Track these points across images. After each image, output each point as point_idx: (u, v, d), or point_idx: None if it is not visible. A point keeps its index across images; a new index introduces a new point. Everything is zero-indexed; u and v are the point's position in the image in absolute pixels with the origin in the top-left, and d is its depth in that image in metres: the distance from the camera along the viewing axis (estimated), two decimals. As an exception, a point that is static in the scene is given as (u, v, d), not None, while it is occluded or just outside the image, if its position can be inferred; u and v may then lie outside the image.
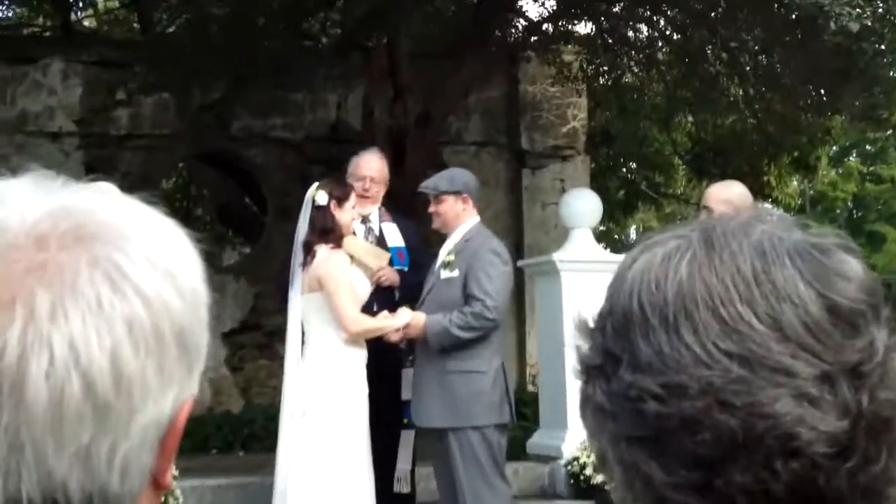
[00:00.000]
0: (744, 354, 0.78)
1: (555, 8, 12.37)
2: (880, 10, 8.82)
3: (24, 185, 0.77)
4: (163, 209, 0.81)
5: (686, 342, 0.80)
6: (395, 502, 6.35)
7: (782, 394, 0.77)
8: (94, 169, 11.81)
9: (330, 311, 5.88)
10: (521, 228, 13.55)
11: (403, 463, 6.40)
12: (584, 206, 8.80)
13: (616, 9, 12.14)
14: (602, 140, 15.80)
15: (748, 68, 11.48)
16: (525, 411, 7.88)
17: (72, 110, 12.41)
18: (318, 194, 6.04)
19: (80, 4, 16.92)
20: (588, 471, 7.76)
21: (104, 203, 0.78)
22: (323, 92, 13.04)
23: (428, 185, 6.31)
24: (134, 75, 12.22)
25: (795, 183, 19.50)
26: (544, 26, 12.42)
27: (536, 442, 8.66)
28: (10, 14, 17.77)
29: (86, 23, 18.10)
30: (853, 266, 0.83)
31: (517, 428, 7.08)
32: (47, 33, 16.73)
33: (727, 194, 5.78)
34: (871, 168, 34.60)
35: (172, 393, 0.75)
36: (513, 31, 12.82)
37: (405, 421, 6.35)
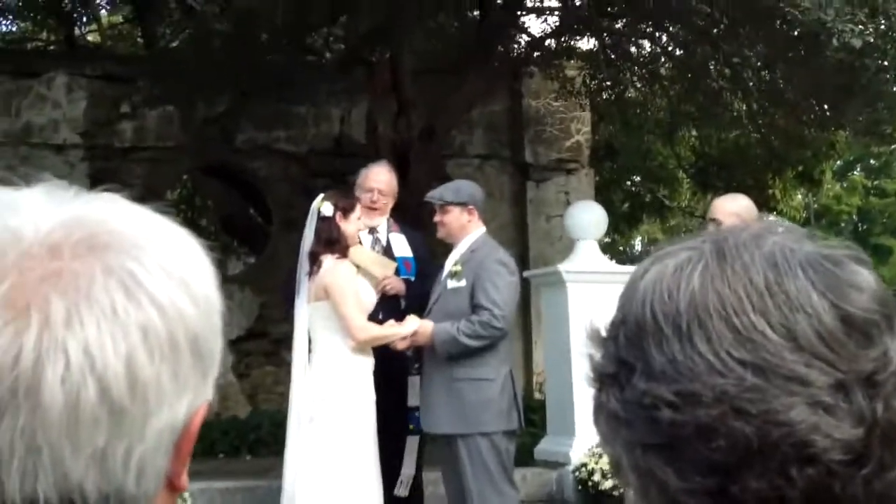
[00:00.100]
0: (758, 363, 0.79)
1: (557, 24, 12.39)
2: (882, 26, 8.83)
3: (37, 195, 0.78)
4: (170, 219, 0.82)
5: (699, 351, 0.80)
6: None
7: (797, 402, 0.78)
8: (98, 181, 11.83)
9: (336, 320, 5.90)
10: (525, 240, 13.58)
11: (407, 468, 6.41)
12: (589, 217, 8.83)
13: (618, 25, 12.16)
14: (606, 154, 15.83)
15: (751, 84, 11.49)
16: (533, 418, 7.91)
17: (76, 123, 12.46)
18: (323, 205, 6.07)
19: (84, 19, 17.00)
20: (596, 477, 7.77)
21: (117, 213, 0.78)
22: (326, 106, 13.09)
23: (434, 195, 6.34)
24: (138, 89, 12.27)
25: (800, 196, 19.54)
26: (547, 42, 12.44)
27: (544, 448, 8.69)
28: (14, 28, 17.85)
29: (89, 37, 18.18)
30: (865, 277, 0.83)
31: (525, 434, 7.11)
32: (51, 47, 16.81)
33: (735, 207, 5.80)
34: (876, 182, 34.65)
35: (187, 398, 0.76)
36: (515, 46, 12.85)
37: (410, 427, 6.37)
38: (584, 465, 7.96)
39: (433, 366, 6.12)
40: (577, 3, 11.67)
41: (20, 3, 15.73)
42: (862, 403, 0.78)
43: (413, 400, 6.38)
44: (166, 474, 0.77)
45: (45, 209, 0.76)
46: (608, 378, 0.86)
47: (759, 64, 11.01)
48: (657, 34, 12.00)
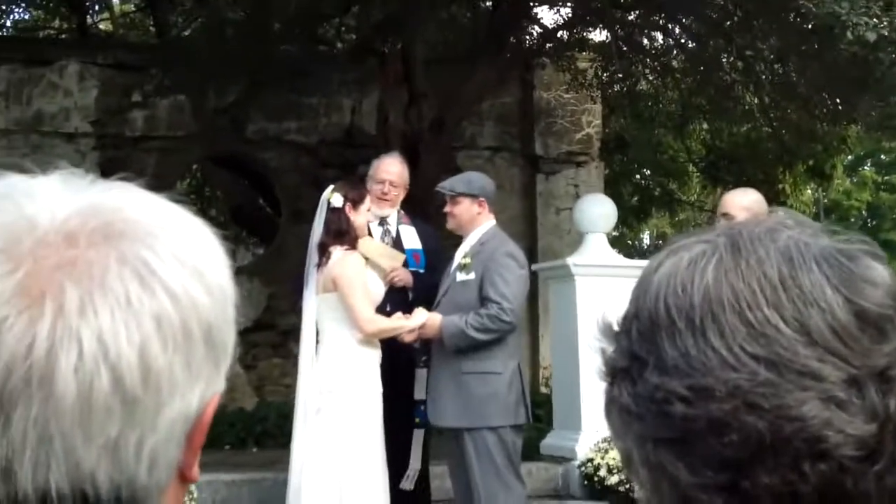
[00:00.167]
0: (771, 358, 0.79)
1: (570, 15, 12.37)
2: (897, 20, 8.79)
3: (53, 183, 0.78)
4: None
5: (713, 345, 0.80)
6: (409, 501, 6.37)
7: (810, 397, 0.78)
8: (108, 170, 11.83)
9: (344, 312, 5.90)
10: (534, 233, 13.57)
11: (413, 461, 6.42)
12: (598, 211, 8.81)
13: (631, 17, 12.13)
14: (616, 147, 15.80)
15: (763, 77, 11.46)
16: (538, 412, 7.92)
17: (87, 111, 12.47)
18: (333, 196, 6.06)
19: (96, 7, 17.01)
20: (602, 472, 7.77)
21: (132, 201, 0.78)
22: (338, 96, 13.08)
23: (445, 185, 6.33)
24: (149, 78, 12.28)
25: (810, 191, 19.47)
26: (559, 33, 12.42)
27: (550, 443, 8.68)
28: (26, 16, 17.87)
29: (101, 26, 18.20)
30: (880, 272, 0.83)
31: (531, 429, 7.11)
32: (63, 36, 16.83)
33: (746, 201, 5.78)
34: (886, 178, 34.53)
35: (199, 388, 0.76)
36: (528, 37, 12.82)
37: (417, 420, 6.37)
38: (591, 459, 7.95)
39: (441, 359, 6.11)
40: (590, -6, 11.65)
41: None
42: (875, 399, 0.78)
43: (420, 393, 6.37)
44: (178, 465, 0.77)
45: (61, 197, 0.76)
46: (620, 372, 0.86)
47: (771, 57, 10.97)
48: (670, 26, 11.97)
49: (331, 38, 14.21)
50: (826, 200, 27.96)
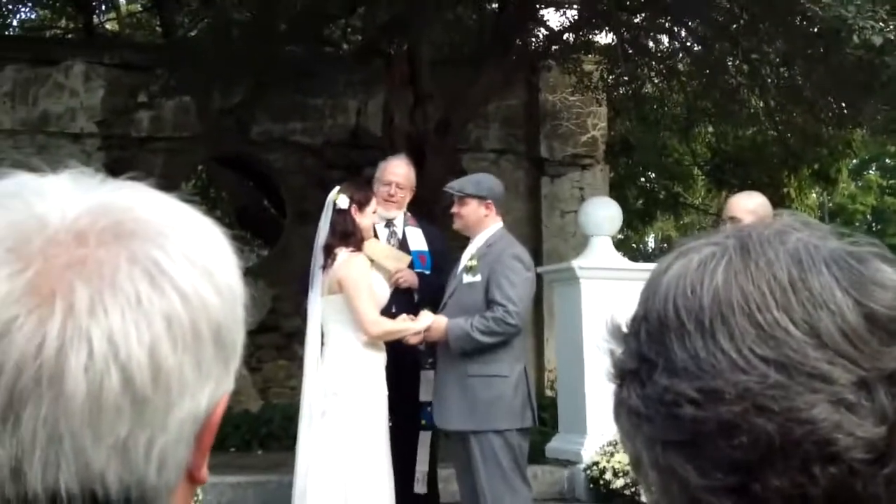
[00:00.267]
0: (780, 360, 0.79)
1: (576, 18, 12.37)
2: (903, 23, 8.77)
3: (63, 182, 0.78)
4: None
5: (722, 347, 0.80)
6: (416, 503, 6.38)
7: (820, 399, 0.78)
8: (114, 170, 11.83)
9: (349, 314, 5.89)
10: (539, 236, 13.56)
11: (420, 464, 6.42)
12: (603, 214, 8.81)
13: (637, 19, 12.13)
14: (621, 149, 15.80)
15: (769, 80, 11.45)
16: (544, 416, 7.92)
17: (93, 112, 12.48)
18: (339, 198, 6.05)
19: (103, 7, 17.04)
20: (608, 475, 7.76)
21: (142, 201, 0.78)
22: (343, 98, 13.09)
23: (453, 185, 6.32)
24: (155, 78, 12.29)
25: (815, 195, 19.46)
26: (565, 36, 12.42)
27: (555, 446, 8.67)
28: (33, 16, 17.90)
29: (108, 26, 18.23)
30: (890, 275, 0.83)
31: (536, 432, 7.11)
32: (70, 35, 16.85)
33: (752, 205, 5.77)
34: (891, 181, 34.49)
35: (209, 389, 0.76)
36: (533, 40, 12.82)
37: (423, 422, 6.36)
38: (596, 463, 7.94)
39: (447, 361, 6.09)
40: (596, -3, 11.64)
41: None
42: (885, 402, 0.78)
43: (425, 395, 6.37)
44: (187, 466, 0.77)
45: (72, 196, 0.76)
46: (629, 374, 0.86)
47: (777, 60, 10.97)
48: (676, 29, 11.96)
49: (336, 39, 14.22)
50: (831, 204, 27.95)
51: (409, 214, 6.82)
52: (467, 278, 6.04)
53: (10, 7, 15.70)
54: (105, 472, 0.71)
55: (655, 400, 0.82)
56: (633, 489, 7.47)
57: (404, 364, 6.20)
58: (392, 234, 6.69)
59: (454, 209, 6.22)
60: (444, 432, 6.33)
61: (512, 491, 5.91)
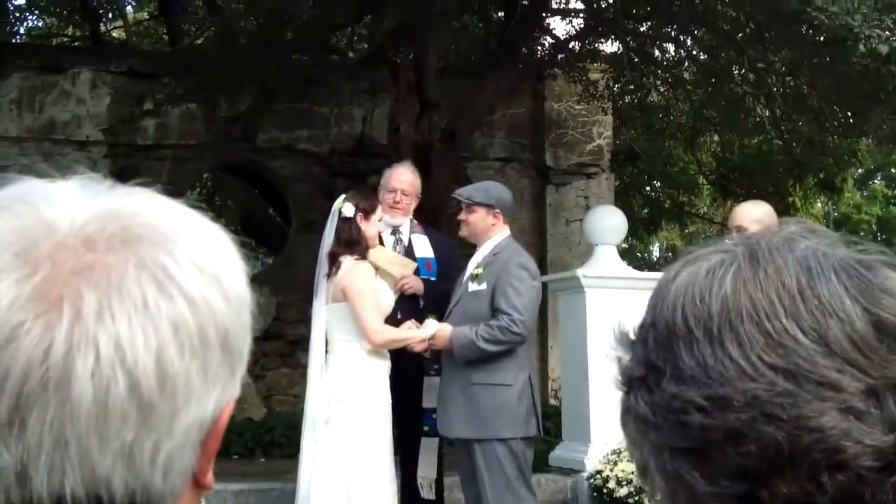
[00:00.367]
0: (789, 368, 0.78)
1: (582, 27, 12.39)
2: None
3: (72, 187, 0.78)
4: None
5: (731, 355, 0.80)
6: None
7: (828, 407, 0.77)
8: (120, 178, 11.84)
9: (354, 322, 5.89)
10: (544, 244, 13.56)
11: (425, 470, 6.40)
12: (608, 222, 8.79)
13: (643, 28, 12.14)
14: (627, 158, 15.79)
15: (775, 89, 11.44)
16: (547, 424, 7.91)
17: (99, 119, 12.51)
18: (344, 206, 6.05)
19: (110, 15, 17.09)
20: (611, 484, 7.74)
21: (151, 207, 0.78)
22: (349, 106, 13.10)
23: (462, 192, 6.30)
24: (161, 86, 12.31)
25: (820, 205, 19.44)
26: (571, 44, 12.43)
27: (559, 455, 8.66)
28: (40, 24, 17.95)
29: (114, 34, 18.28)
30: None
31: (539, 440, 7.10)
32: (76, 43, 16.91)
33: (758, 213, 5.77)
34: (897, 191, 34.46)
35: (215, 394, 0.76)
36: (539, 48, 12.83)
37: (426, 428, 6.36)
38: (599, 472, 7.93)
39: (451, 369, 6.08)
40: (602, 6, 11.65)
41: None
42: (893, 410, 0.78)
43: (429, 401, 6.36)
44: (192, 471, 0.77)
45: (80, 201, 0.76)
46: (636, 381, 0.86)
47: (783, 69, 10.96)
48: (681, 38, 11.97)
49: (342, 47, 14.24)
50: (836, 214, 27.92)
51: (415, 222, 6.82)
52: (473, 286, 6.03)
53: (18, 15, 15.74)
54: (111, 476, 0.71)
55: (663, 407, 0.82)
56: (636, 498, 7.45)
57: (408, 370, 6.19)
58: (398, 241, 6.69)
59: (462, 216, 6.20)
60: (448, 440, 6.32)
61: (516, 499, 5.89)
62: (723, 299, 0.82)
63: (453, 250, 6.96)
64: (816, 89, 10.76)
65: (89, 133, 12.46)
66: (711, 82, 12.18)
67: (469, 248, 6.40)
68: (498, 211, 6.15)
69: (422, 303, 6.46)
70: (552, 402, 11.52)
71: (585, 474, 8.16)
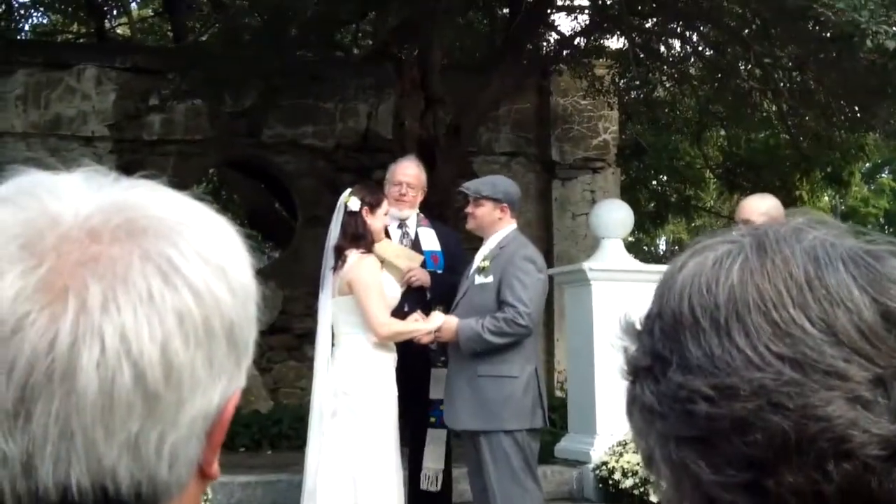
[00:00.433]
0: (796, 358, 0.78)
1: (587, 22, 12.37)
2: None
3: (77, 180, 0.78)
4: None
5: (737, 345, 0.80)
6: (428, 502, 6.37)
7: (835, 397, 0.77)
8: (126, 173, 11.88)
9: (360, 315, 5.90)
10: (550, 238, 13.56)
11: (431, 462, 6.41)
12: (615, 216, 8.80)
13: (649, 24, 12.13)
14: (633, 153, 15.79)
15: (782, 84, 11.43)
16: (553, 416, 7.93)
17: (105, 115, 12.53)
18: (350, 200, 6.06)
19: (114, 12, 17.11)
20: (617, 475, 7.76)
21: (156, 199, 0.78)
22: (354, 101, 13.11)
23: (469, 186, 6.31)
24: (166, 82, 12.33)
25: (827, 198, 19.42)
26: (577, 40, 12.43)
27: (565, 446, 8.68)
28: (45, 20, 17.98)
29: (119, 30, 18.31)
30: None
31: (545, 432, 7.12)
32: (81, 40, 16.93)
33: (765, 206, 5.76)
34: (904, 185, 34.36)
35: (220, 386, 0.76)
36: (545, 44, 12.82)
37: (432, 420, 6.36)
38: (605, 463, 7.95)
39: (457, 361, 6.09)
40: (608, 2, 11.64)
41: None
42: None
43: (435, 393, 6.37)
44: (198, 462, 0.77)
45: (85, 194, 0.76)
46: (643, 371, 0.85)
47: (790, 64, 10.96)
48: (687, 33, 11.96)
49: (347, 43, 14.25)
50: (843, 207, 27.87)
51: (421, 215, 6.84)
52: (479, 279, 6.04)
53: (23, 12, 15.77)
54: (116, 467, 0.71)
55: (669, 397, 0.82)
56: (641, 489, 7.47)
57: (415, 362, 6.20)
58: (405, 234, 6.70)
59: (469, 209, 6.21)
60: (455, 432, 6.33)
61: (522, 490, 5.91)
62: (730, 289, 0.82)
63: (460, 244, 6.97)
64: (823, 84, 10.75)
65: (95, 129, 12.49)
66: (718, 77, 12.17)
67: (475, 242, 6.41)
68: (505, 205, 6.16)
69: (429, 295, 6.47)
70: (558, 394, 11.53)
71: (591, 466, 8.18)
